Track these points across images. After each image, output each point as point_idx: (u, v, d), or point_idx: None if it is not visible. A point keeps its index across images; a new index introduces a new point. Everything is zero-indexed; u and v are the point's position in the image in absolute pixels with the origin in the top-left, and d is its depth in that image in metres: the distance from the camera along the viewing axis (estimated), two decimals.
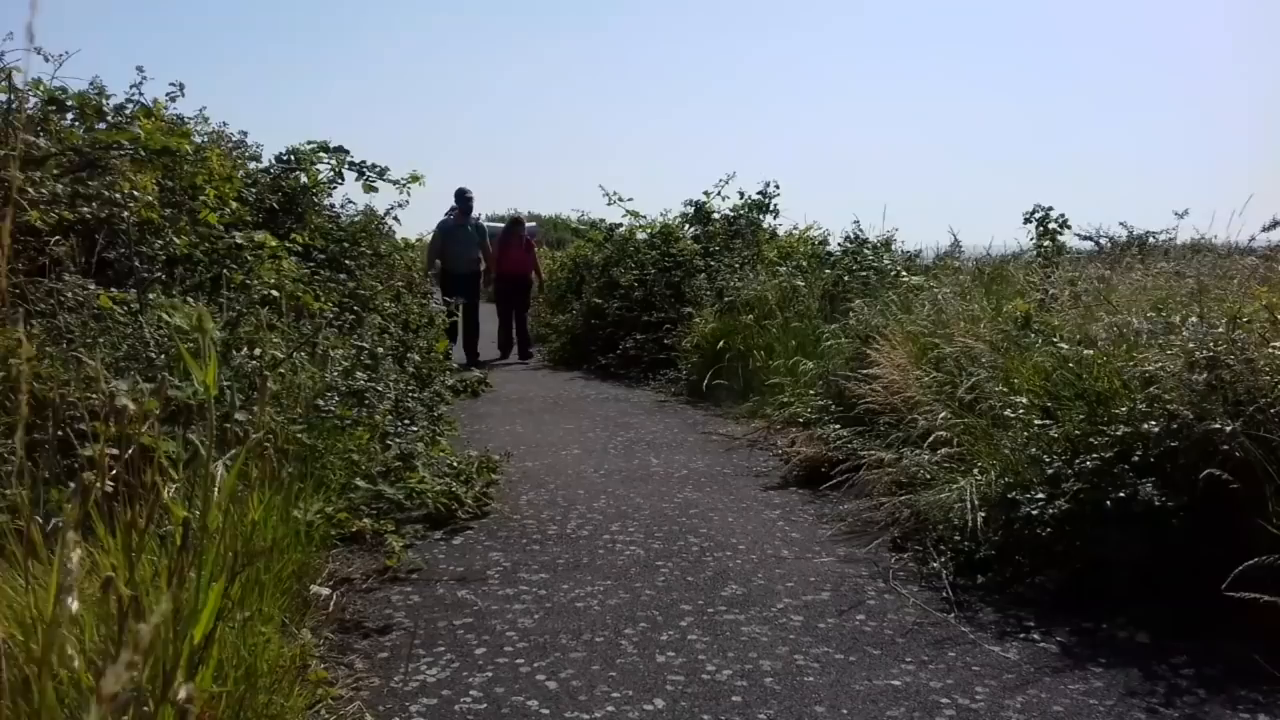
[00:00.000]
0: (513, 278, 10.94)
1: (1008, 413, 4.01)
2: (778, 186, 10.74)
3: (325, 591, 3.16)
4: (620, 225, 11.45)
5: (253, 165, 7.58)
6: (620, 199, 11.12)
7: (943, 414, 4.35)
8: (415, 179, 7.76)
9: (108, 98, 5.10)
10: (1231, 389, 3.18)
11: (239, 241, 5.09)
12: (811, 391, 5.94)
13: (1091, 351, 3.96)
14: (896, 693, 2.65)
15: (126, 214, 4.43)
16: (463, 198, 10.44)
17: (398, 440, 4.54)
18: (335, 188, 7.48)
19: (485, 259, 10.73)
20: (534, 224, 12.82)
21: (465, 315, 10.18)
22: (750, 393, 6.84)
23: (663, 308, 9.51)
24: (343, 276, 6.50)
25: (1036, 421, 3.81)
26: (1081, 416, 3.59)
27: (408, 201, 7.88)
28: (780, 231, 10.83)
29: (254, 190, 6.53)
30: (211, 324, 1.50)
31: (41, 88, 4.79)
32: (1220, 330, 3.42)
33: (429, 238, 11.29)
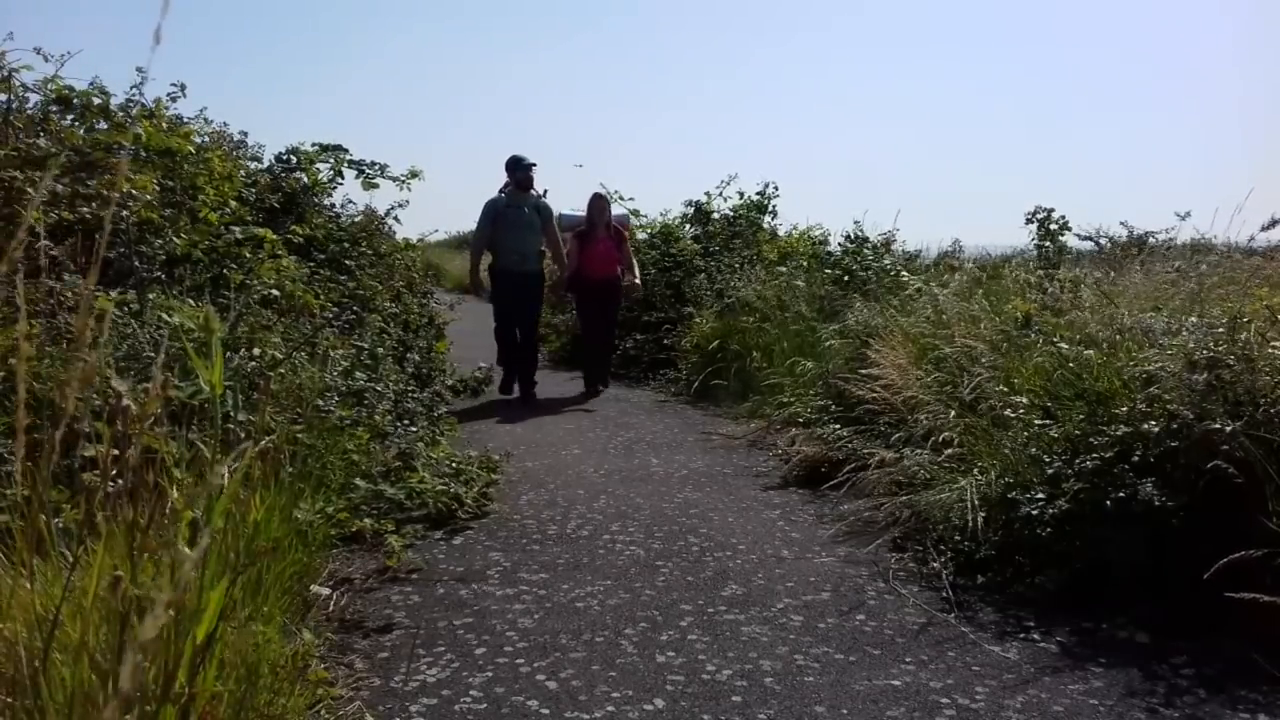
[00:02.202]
0: (599, 282, 7.88)
1: (1008, 413, 4.02)
2: (777, 189, 10.77)
3: (325, 591, 3.16)
4: None
5: (253, 165, 7.57)
6: (621, 198, 11.13)
7: (943, 414, 4.36)
8: (415, 174, 7.71)
9: (109, 97, 5.10)
10: (1231, 389, 3.18)
11: (239, 237, 5.09)
12: (811, 391, 5.94)
13: (1092, 352, 3.96)
14: (896, 693, 2.66)
15: (126, 213, 4.43)
16: (519, 166, 7.53)
17: (397, 440, 4.54)
18: (335, 187, 7.45)
19: (555, 254, 7.91)
20: (623, 211, 9.18)
21: (517, 330, 7.64)
22: (750, 393, 6.84)
23: (663, 308, 9.51)
24: (343, 277, 6.50)
25: (1037, 421, 3.82)
26: (1081, 416, 3.60)
27: (408, 201, 7.86)
28: (780, 231, 10.85)
29: (254, 190, 6.52)
30: (218, 324, 1.51)
31: (51, 85, 4.80)
32: (1220, 330, 3.42)
33: (429, 239, 9.14)
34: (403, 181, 7.53)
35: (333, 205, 7.62)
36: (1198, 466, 3.04)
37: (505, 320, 7.70)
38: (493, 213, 7.50)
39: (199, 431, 2.61)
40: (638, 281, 8.31)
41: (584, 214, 8.16)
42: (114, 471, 1.63)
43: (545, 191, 7.75)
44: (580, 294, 8.09)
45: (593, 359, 8.09)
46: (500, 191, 7.63)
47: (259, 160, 7.86)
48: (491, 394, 7.98)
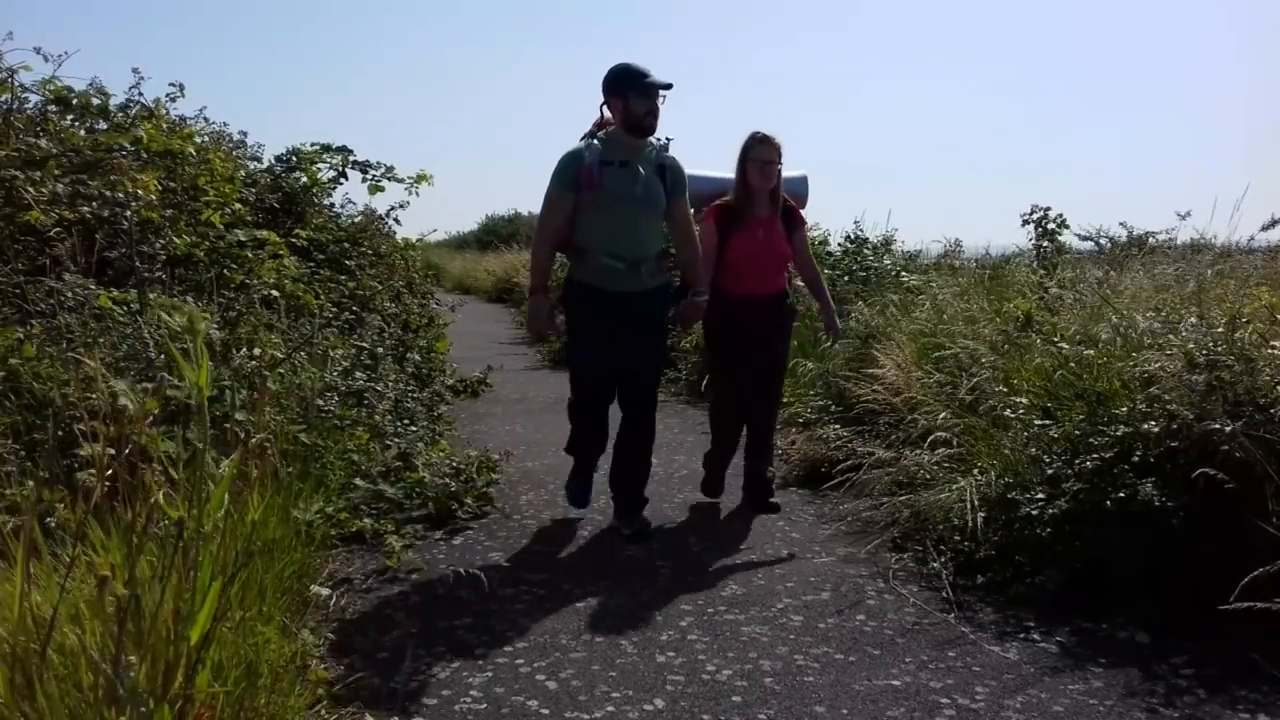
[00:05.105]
0: (756, 304, 4.21)
1: (1008, 413, 4.01)
2: None
3: (325, 591, 3.15)
4: None
5: (253, 165, 7.57)
6: None
7: (943, 414, 4.35)
8: (423, 178, 7.63)
9: (108, 97, 5.11)
10: (1231, 389, 3.18)
11: (241, 239, 5.09)
12: (811, 391, 5.94)
13: (1092, 352, 3.96)
14: (896, 693, 2.65)
15: (129, 213, 4.44)
16: (636, 85, 3.73)
17: (397, 440, 4.53)
18: (336, 187, 7.44)
19: (683, 254, 4.11)
20: (800, 173, 4.50)
21: (619, 395, 4.07)
22: None
23: None
24: (343, 277, 6.50)
25: (1036, 422, 3.81)
26: (1081, 417, 3.59)
27: (408, 202, 7.84)
28: None
29: (254, 190, 6.52)
30: (204, 325, 1.50)
31: (50, 86, 4.80)
32: (1220, 330, 3.42)
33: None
34: (411, 185, 7.48)
35: (332, 205, 7.63)
36: (1198, 466, 3.04)
37: (595, 369, 3.99)
38: (575, 174, 3.78)
39: (196, 431, 2.61)
40: (828, 297, 4.51)
41: (725, 177, 4.26)
42: (110, 471, 1.63)
43: (668, 142, 4.08)
44: (717, 323, 4.27)
45: (733, 438, 4.50)
46: (588, 138, 3.89)
47: (259, 160, 7.86)
48: (491, 395, 7.90)
